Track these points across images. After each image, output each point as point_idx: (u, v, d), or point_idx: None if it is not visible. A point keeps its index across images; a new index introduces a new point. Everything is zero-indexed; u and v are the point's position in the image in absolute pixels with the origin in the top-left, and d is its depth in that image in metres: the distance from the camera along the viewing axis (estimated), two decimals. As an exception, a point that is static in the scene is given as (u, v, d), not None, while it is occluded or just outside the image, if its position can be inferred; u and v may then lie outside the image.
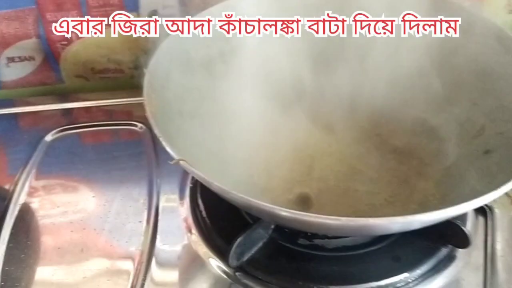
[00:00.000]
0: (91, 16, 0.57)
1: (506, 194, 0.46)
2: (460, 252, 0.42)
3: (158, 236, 0.44)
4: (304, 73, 0.50)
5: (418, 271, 0.41)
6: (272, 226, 0.42)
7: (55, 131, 0.55)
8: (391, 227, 0.33)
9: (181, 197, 0.48)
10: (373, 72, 0.50)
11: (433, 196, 0.43)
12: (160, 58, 0.43)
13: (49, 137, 0.54)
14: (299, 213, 0.31)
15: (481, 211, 0.46)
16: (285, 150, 0.49)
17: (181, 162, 0.34)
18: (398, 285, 0.40)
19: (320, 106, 0.51)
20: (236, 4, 0.48)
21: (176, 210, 0.47)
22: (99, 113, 0.59)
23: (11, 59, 0.59)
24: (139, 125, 0.56)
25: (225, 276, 0.41)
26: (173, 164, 0.35)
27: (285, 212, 0.31)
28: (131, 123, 0.56)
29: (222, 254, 0.42)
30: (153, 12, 0.57)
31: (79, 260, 0.42)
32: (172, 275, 0.42)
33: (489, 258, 0.42)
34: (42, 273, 0.42)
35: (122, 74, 0.62)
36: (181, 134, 0.42)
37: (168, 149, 0.35)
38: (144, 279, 0.41)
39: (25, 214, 0.46)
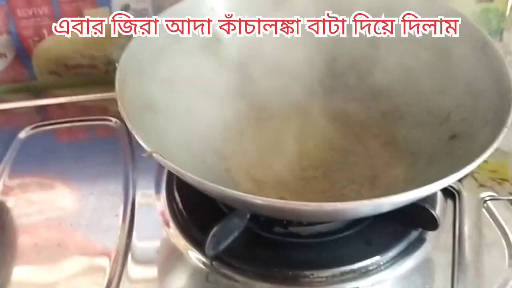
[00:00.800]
0: (62, 12, 0.57)
1: (474, 177, 0.49)
2: (429, 235, 0.44)
3: (134, 231, 0.44)
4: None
5: (390, 254, 0.42)
6: (248, 216, 0.43)
7: (28, 128, 0.55)
8: (360, 210, 0.34)
9: (157, 191, 0.48)
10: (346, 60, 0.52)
11: (402, 181, 0.44)
12: (132, 53, 0.44)
13: (22, 134, 0.54)
14: (271, 200, 0.32)
15: (450, 194, 0.47)
16: (256, 142, 0.50)
17: (153, 154, 0.35)
18: (371, 268, 0.41)
19: (291, 95, 0.52)
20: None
21: (153, 204, 0.47)
22: (74, 109, 0.58)
23: (-18, 57, 0.59)
24: (114, 119, 0.56)
25: (202, 266, 0.42)
26: (146, 157, 0.35)
27: (258, 200, 0.32)
28: (106, 119, 0.56)
29: (199, 244, 0.42)
30: (125, 7, 0.57)
31: (56, 257, 0.42)
32: (150, 269, 0.43)
33: (457, 240, 0.44)
34: (19, 271, 0.41)
35: (96, 69, 0.62)
36: (154, 128, 0.42)
37: (141, 141, 0.35)
38: (121, 273, 0.41)
39: (0, 212, 0.46)
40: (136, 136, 0.36)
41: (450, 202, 0.47)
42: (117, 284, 0.40)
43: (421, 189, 0.33)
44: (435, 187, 0.33)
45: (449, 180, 0.33)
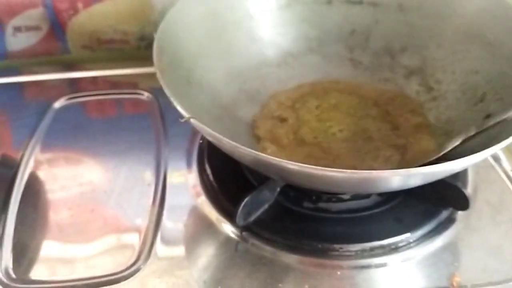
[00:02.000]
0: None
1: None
2: (460, 215, 0.44)
3: (166, 200, 0.45)
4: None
5: (420, 232, 0.42)
6: (278, 189, 0.43)
7: (63, 99, 0.55)
8: (393, 181, 0.34)
9: (189, 164, 0.48)
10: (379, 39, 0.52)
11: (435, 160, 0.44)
12: (169, 24, 0.44)
13: (57, 104, 0.55)
14: (305, 165, 0.32)
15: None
16: (286, 118, 0.49)
17: (191, 120, 0.35)
18: (400, 244, 0.41)
19: (324, 71, 0.52)
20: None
21: (184, 176, 0.47)
22: (106, 84, 0.59)
23: (17, 29, 0.60)
24: (146, 94, 0.56)
25: (232, 236, 0.42)
26: (183, 122, 0.36)
27: (291, 165, 0.32)
28: (138, 92, 0.57)
29: (229, 215, 0.43)
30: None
31: (88, 230, 0.42)
32: (180, 238, 0.43)
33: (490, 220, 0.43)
34: (49, 246, 0.41)
35: (128, 45, 0.62)
36: (188, 99, 0.43)
37: (179, 107, 0.36)
38: (153, 241, 0.41)
39: (33, 182, 0.47)
40: (174, 102, 0.36)
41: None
42: (150, 247, 0.41)
43: (454, 162, 0.32)
44: (468, 161, 0.33)
45: (483, 155, 0.33)
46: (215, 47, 0.48)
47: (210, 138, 0.36)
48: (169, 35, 0.43)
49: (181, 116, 0.36)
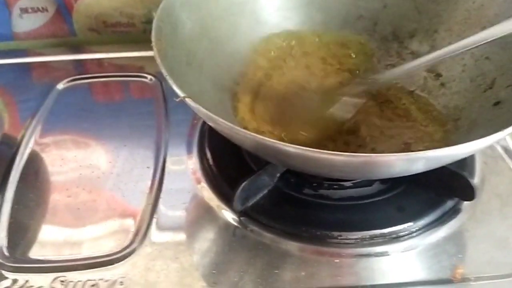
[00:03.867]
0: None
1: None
2: (465, 205, 0.42)
3: (164, 187, 0.44)
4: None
5: (422, 221, 0.41)
6: (278, 174, 0.42)
7: (66, 80, 0.55)
8: (394, 165, 0.33)
9: (189, 148, 0.48)
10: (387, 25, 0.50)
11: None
12: (170, 4, 0.43)
13: (60, 86, 0.55)
14: (303, 148, 0.31)
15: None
16: (288, 106, 0.49)
17: (186, 99, 0.34)
18: (402, 233, 0.40)
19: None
20: None
21: (184, 160, 0.47)
22: (111, 66, 0.59)
23: (24, 10, 0.60)
24: (149, 77, 0.56)
25: (230, 221, 0.41)
26: (178, 101, 0.35)
27: (289, 148, 0.31)
28: (141, 75, 0.56)
29: (228, 200, 0.42)
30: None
31: (84, 211, 0.42)
32: (177, 223, 0.42)
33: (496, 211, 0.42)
34: (47, 228, 0.41)
35: (134, 28, 0.62)
36: (189, 81, 0.42)
37: (174, 86, 0.35)
38: (149, 223, 0.41)
39: (32, 162, 0.46)
40: (169, 81, 0.35)
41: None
42: (146, 230, 0.41)
43: (458, 147, 0.31)
44: (472, 146, 0.32)
45: (487, 141, 0.32)
46: (218, 30, 0.47)
47: (205, 119, 0.36)
48: (170, 16, 0.43)
49: (177, 96, 0.35)
